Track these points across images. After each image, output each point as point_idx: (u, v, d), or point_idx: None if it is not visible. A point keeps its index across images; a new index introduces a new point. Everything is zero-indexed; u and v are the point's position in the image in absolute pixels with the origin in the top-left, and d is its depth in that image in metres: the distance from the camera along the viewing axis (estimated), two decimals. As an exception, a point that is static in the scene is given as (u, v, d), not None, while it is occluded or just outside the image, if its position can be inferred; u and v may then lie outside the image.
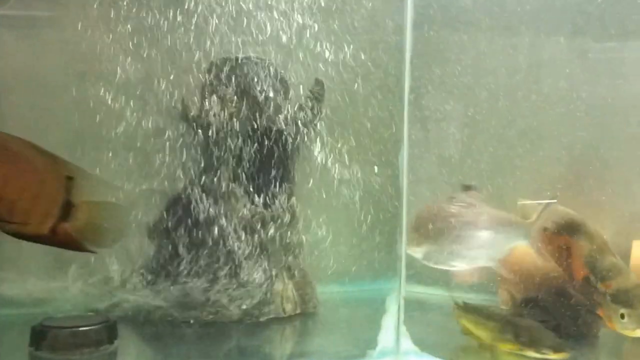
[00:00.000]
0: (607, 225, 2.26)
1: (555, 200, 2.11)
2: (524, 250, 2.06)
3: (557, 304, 2.03)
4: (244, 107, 2.21)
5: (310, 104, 2.29)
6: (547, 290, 2.07)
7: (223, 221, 2.18)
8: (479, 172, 2.38)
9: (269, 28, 2.21)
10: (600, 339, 2.03)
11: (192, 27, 2.17)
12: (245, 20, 2.20)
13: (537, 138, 2.35)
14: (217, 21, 2.17)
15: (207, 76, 2.20)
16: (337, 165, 2.34)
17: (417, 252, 2.14)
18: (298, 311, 2.25)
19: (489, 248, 2.08)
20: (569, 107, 2.32)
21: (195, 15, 2.16)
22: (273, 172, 2.24)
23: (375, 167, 2.40)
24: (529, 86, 2.36)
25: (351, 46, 2.30)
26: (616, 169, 2.29)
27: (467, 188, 2.20)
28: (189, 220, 2.17)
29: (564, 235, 2.06)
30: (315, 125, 2.30)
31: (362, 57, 2.34)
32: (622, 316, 1.92)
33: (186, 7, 2.16)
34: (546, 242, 2.08)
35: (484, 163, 2.37)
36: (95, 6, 2.17)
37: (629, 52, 2.29)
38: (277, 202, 2.24)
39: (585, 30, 2.30)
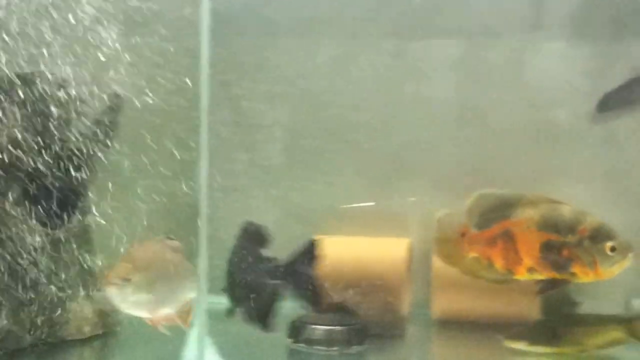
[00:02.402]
0: (411, 227, 2.31)
1: (373, 203, 2.12)
2: (337, 255, 2.05)
3: (362, 307, 2.03)
4: (33, 124, 2.07)
5: (106, 117, 2.19)
6: (353, 293, 2.08)
7: (11, 243, 2.03)
8: (294, 178, 2.38)
9: (59, 40, 2.09)
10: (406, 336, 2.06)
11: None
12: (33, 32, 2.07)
13: (350, 141, 2.37)
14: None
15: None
16: (137, 179, 2.24)
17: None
18: (98, 331, 2.14)
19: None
20: (380, 109, 2.36)
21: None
22: (65, 190, 2.12)
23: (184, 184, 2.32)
24: (340, 89, 2.38)
25: (148, 54, 2.23)
26: (420, 170, 2.35)
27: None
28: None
29: (497, 222, 1.97)
30: (112, 138, 2.20)
31: (159, 66, 2.27)
32: (612, 249, 1.84)
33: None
34: (471, 243, 2.00)
35: (298, 169, 2.37)
36: None
37: (437, 51, 2.34)
38: (69, 221, 2.12)
39: (398, 31, 2.34)
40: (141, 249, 1.89)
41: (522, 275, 1.94)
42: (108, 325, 2.17)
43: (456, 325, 2.17)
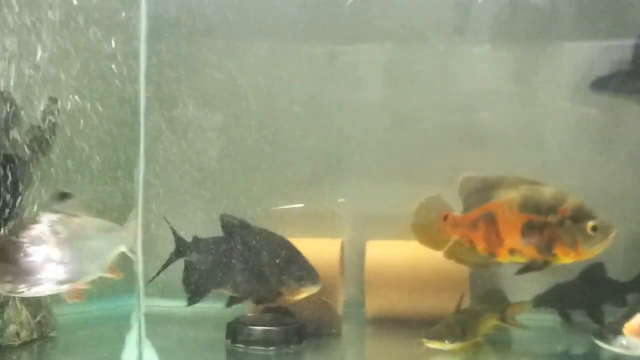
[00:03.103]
0: (343, 227, 2.35)
1: (301, 205, 2.15)
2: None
3: (299, 307, 2.07)
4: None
5: (44, 122, 2.17)
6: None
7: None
8: (228, 180, 2.40)
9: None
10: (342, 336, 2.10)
11: None
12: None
13: (283, 144, 2.40)
14: None
15: None
16: (73, 183, 2.24)
17: None
18: (35, 337, 2.12)
19: (97, 258, 1.93)
20: (312, 111, 2.39)
21: None
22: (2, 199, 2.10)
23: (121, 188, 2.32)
24: (273, 92, 2.41)
25: (87, 60, 2.23)
26: (351, 172, 2.39)
27: (64, 197, 1.92)
28: None
29: (479, 205, 1.98)
30: (50, 144, 2.19)
31: (97, 72, 2.27)
32: (594, 229, 1.82)
33: None
34: (454, 227, 2.02)
35: (233, 171, 2.40)
36: None
37: (366, 55, 2.39)
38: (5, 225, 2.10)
39: (329, 34, 2.37)
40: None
41: (504, 258, 1.95)
42: (45, 330, 2.16)
43: (390, 324, 2.22)
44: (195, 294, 2.09)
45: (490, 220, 1.93)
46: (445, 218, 2.02)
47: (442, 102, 2.36)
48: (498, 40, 2.35)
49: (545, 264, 1.90)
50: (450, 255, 2.02)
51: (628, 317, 1.75)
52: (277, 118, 2.40)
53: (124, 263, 2.27)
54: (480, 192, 1.98)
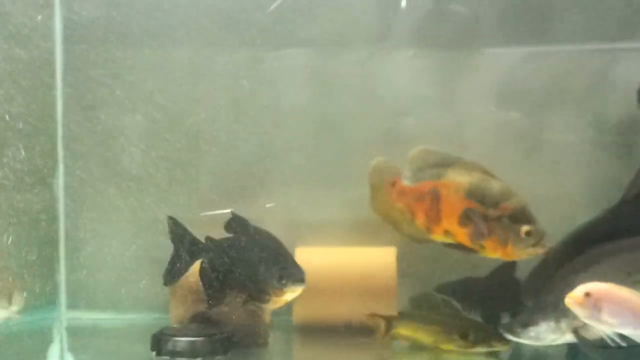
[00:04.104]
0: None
1: (229, 211, 2.13)
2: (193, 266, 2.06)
3: (225, 316, 2.05)
4: None
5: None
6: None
7: None
8: (152, 188, 2.36)
9: None
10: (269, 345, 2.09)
11: None
12: None
13: (207, 149, 2.37)
14: None
15: None
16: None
17: None
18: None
19: None
20: (236, 118, 2.37)
21: None
22: None
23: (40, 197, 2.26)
24: (195, 98, 2.37)
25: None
26: (278, 178, 2.37)
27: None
28: None
29: (428, 181, 2.03)
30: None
31: (11, 74, 2.21)
32: (528, 233, 1.87)
33: None
34: (399, 194, 2.06)
35: (156, 178, 2.36)
36: None
37: (290, 60, 2.37)
38: None
39: (252, 40, 2.35)
40: None
41: (437, 236, 2.01)
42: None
43: (317, 331, 2.20)
44: (216, 295, 2.01)
45: (435, 197, 1.99)
46: (393, 184, 2.06)
47: (366, 108, 2.36)
48: (421, 46, 2.36)
49: (472, 252, 1.96)
50: (391, 221, 2.08)
51: (533, 310, 1.83)
52: (201, 124, 2.37)
53: (47, 271, 2.24)
54: (433, 167, 2.02)
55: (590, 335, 1.77)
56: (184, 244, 2.03)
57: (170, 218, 2.06)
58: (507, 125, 2.32)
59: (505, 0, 2.31)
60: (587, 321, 1.62)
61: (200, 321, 2.05)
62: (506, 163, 2.15)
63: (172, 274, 2.04)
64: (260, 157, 2.38)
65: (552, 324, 1.78)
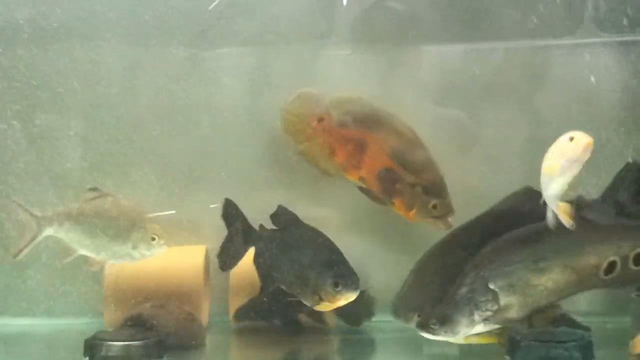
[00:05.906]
0: (208, 235, 2.30)
1: (173, 212, 2.10)
2: (134, 267, 2.01)
3: (160, 319, 2.01)
4: None
5: None
6: (151, 306, 2.06)
7: None
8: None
9: None
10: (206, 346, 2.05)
11: None
12: None
13: (147, 150, 2.34)
14: None
15: None
16: None
17: None
18: None
19: None
20: (174, 117, 2.34)
21: None
22: None
23: None
24: (133, 97, 2.34)
25: None
26: (216, 178, 2.34)
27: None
28: None
29: (359, 129, 2.10)
30: None
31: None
32: (435, 206, 2.03)
33: None
34: (325, 131, 2.12)
35: (95, 180, 2.31)
36: None
37: (229, 59, 2.35)
38: None
39: (190, 38, 2.33)
40: None
41: (351, 178, 2.12)
42: None
43: (255, 332, 2.20)
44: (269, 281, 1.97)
45: (361, 146, 2.09)
46: (320, 120, 2.11)
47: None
48: (361, 43, 2.35)
49: (380, 202, 2.09)
50: (306, 153, 2.15)
51: (446, 306, 1.82)
52: (139, 124, 2.34)
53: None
54: (365, 117, 2.11)
55: (497, 322, 1.83)
56: (238, 230, 1.98)
57: (226, 199, 2.01)
58: (444, 121, 2.32)
59: (442, -3, 2.33)
60: None
61: (135, 325, 2.01)
62: (443, 159, 2.15)
63: (229, 261, 2.00)
64: (200, 156, 2.35)
65: (466, 317, 1.81)
